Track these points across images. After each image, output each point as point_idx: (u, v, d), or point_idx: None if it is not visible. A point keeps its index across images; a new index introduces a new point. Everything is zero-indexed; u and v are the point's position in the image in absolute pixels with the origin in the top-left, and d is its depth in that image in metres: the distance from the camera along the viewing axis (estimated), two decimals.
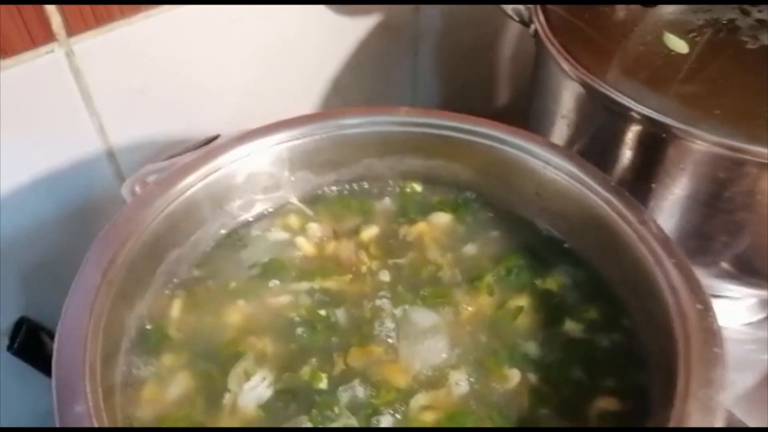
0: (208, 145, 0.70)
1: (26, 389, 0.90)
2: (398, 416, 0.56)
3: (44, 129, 0.76)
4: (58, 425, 0.48)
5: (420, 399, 0.56)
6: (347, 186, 0.74)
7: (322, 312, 0.63)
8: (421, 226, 0.71)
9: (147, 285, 0.62)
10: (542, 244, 0.69)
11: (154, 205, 0.61)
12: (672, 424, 0.48)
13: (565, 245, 0.68)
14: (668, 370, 0.52)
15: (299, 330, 0.61)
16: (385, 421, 0.56)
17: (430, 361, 0.59)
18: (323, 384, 0.57)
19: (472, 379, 0.58)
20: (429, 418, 0.55)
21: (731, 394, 0.77)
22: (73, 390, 0.49)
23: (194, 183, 0.64)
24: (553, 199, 0.67)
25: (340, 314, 0.63)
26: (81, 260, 0.57)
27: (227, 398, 0.57)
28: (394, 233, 0.70)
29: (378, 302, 0.64)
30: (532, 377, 0.58)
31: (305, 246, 0.69)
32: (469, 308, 0.63)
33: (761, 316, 0.89)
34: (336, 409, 0.56)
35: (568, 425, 0.56)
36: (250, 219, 0.71)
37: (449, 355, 0.60)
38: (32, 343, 0.88)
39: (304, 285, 0.65)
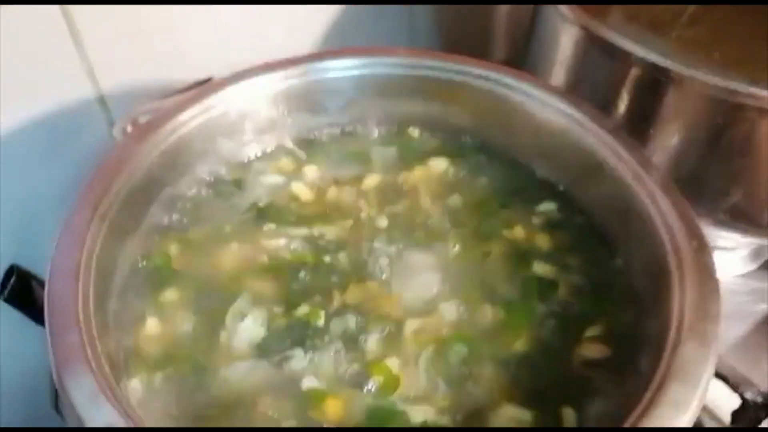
0: (201, 86, 0.69)
1: (21, 341, 0.89)
2: (384, 334, 0.56)
3: (34, 74, 0.74)
4: (51, 357, 0.48)
5: (412, 324, 0.57)
6: (343, 129, 0.73)
7: (321, 255, 0.62)
8: (418, 172, 0.70)
9: (139, 223, 0.61)
10: (538, 187, 0.68)
11: (147, 143, 0.61)
12: (665, 358, 0.48)
13: (561, 188, 0.68)
14: (662, 308, 0.52)
15: (297, 272, 0.61)
16: (372, 339, 0.56)
17: (422, 295, 0.59)
18: (321, 321, 0.57)
19: (461, 309, 0.58)
20: (422, 339, 0.56)
21: (724, 343, 0.78)
22: (65, 320, 0.48)
23: (187, 121, 0.63)
24: (550, 142, 0.66)
25: (340, 257, 0.62)
26: (71, 207, 0.56)
27: (224, 336, 0.57)
28: (393, 180, 0.70)
29: (375, 245, 0.64)
30: (519, 317, 0.58)
31: (303, 191, 0.68)
32: (461, 249, 0.63)
33: (754, 266, 0.89)
34: (326, 338, 0.56)
35: (555, 367, 0.56)
36: (245, 161, 0.70)
37: (440, 289, 0.60)
38: (23, 291, 0.87)
39: (303, 230, 0.65)
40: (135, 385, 0.54)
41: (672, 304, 0.51)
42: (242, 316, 0.58)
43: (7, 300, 0.86)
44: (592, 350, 0.57)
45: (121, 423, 0.44)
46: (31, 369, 0.89)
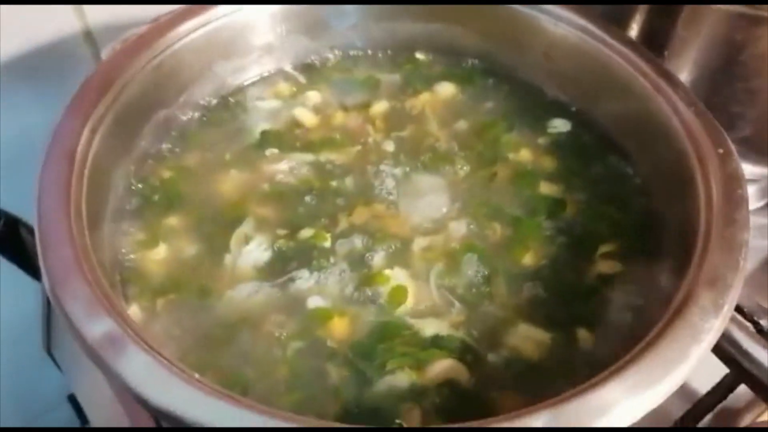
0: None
1: (10, 290, 0.86)
2: (391, 251, 0.54)
3: (19, 9, 0.70)
4: (43, 274, 0.45)
5: (421, 242, 0.55)
6: (346, 54, 0.70)
7: (327, 180, 0.60)
8: (425, 97, 0.67)
9: (133, 143, 0.58)
10: (548, 109, 0.65)
11: (139, 57, 0.57)
12: (692, 267, 0.46)
13: (573, 109, 0.65)
14: (687, 219, 0.50)
15: (302, 196, 0.58)
16: (378, 257, 0.54)
17: (430, 215, 0.57)
18: (327, 242, 0.55)
19: (471, 226, 0.57)
20: (431, 255, 0.54)
21: None
22: (58, 234, 0.45)
23: (181, 37, 0.59)
24: (563, 59, 0.64)
25: (346, 181, 0.60)
26: (59, 116, 0.53)
27: (228, 259, 0.54)
28: (399, 105, 0.67)
29: (381, 167, 0.61)
30: (527, 232, 0.56)
31: (307, 117, 0.65)
32: (469, 171, 0.61)
33: (760, 204, 0.87)
34: (332, 259, 0.54)
35: (570, 284, 0.53)
36: (243, 85, 0.67)
37: (449, 209, 0.58)
38: (11, 238, 0.84)
39: (308, 155, 0.62)
40: (134, 311, 0.52)
41: (698, 214, 0.49)
42: (246, 240, 0.55)
43: None
44: (606, 266, 0.55)
45: (119, 333, 0.41)
46: (22, 318, 0.87)
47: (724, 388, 0.58)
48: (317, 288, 0.52)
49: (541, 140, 0.64)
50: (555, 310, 0.52)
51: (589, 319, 0.52)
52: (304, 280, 0.53)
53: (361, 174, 0.60)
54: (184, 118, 0.63)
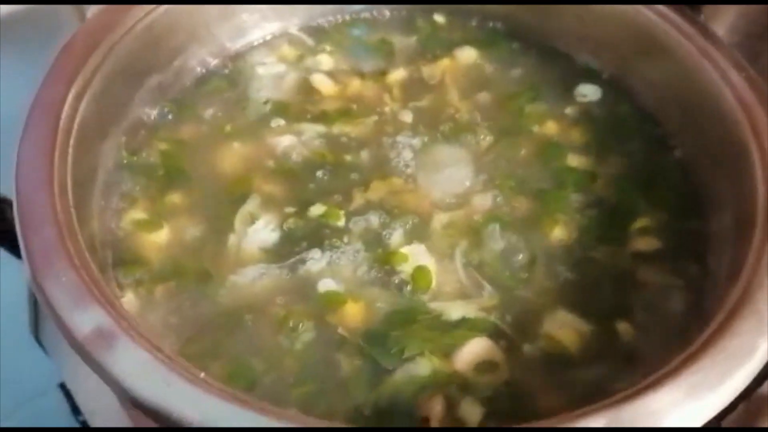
0: None
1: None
2: (409, 228, 0.50)
3: None
4: (24, 258, 0.39)
5: (441, 218, 0.50)
6: (356, 15, 0.64)
7: (341, 153, 0.55)
8: (444, 64, 0.61)
9: (124, 111, 0.52)
10: (577, 76, 0.60)
11: (129, 16, 0.51)
12: (754, 250, 0.41)
13: (604, 76, 0.60)
14: (740, 195, 0.45)
15: (312, 171, 0.53)
16: (397, 234, 0.49)
17: (451, 190, 0.52)
18: (340, 221, 0.50)
19: (498, 199, 0.52)
20: (453, 232, 0.49)
21: None
22: (39, 211, 0.40)
23: None
24: (597, 22, 0.58)
25: (362, 154, 0.54)
26: (41, 80, 0.47)
27: (232, 241, 0.49)
28: (417, 73, 0.61)
29: (399, 139, 0.55)
30: (554, 205, 0.52)
31: (325, 84, 0.59)
32: (492, 143, 0.55)
33: None
34: (346, 238, 0.49)
35: (603, 258, 0.49)
36: (244, 48, 0.61)
37: (472, 182, 0.53)
38: None
39: (318, 126, 0.56)
40: (129, 299, 0.46)
41: (754, 189, 0.44)
42: (252, 220, 0.50)
43: None
44: (643, 243, 0.50)
45: (111, 326, 0.36)
46: (9, 300, 0.82)
47: None
48: (329, 270, 0.48)
49: (569, 110, 0.58)
50: (590, 295, 0.47)
51: (626, 304, 0.47)
52: (315, 261, 0.48)
53: (377, 146, 0.55)
54: (180, 84, 0.57)
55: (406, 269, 0.47)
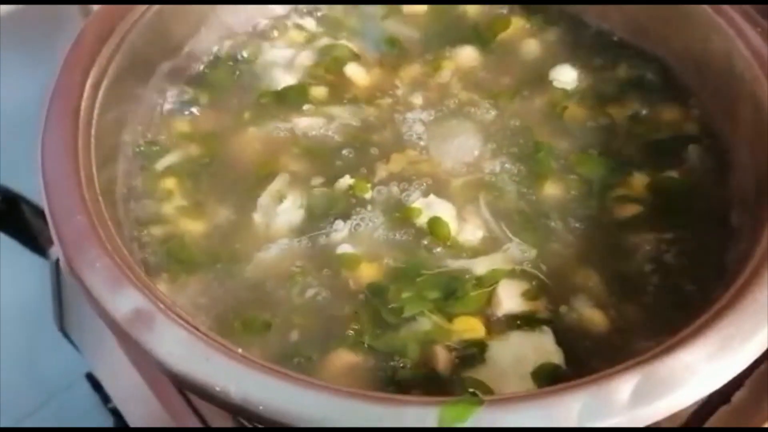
0: None
1: (17, 271, 0.82)
2: (424, 189, 0.51)
3: None
4: (57, 246, 0.40)
5: (456, 181, 0.51)
6: None
7: (357, 132, 0.55)
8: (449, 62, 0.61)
9: (139, 100, 0.53)
10: (588, 40, 0.60)
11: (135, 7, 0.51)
12: None
13: (614, 38, 0.60)
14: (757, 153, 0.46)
15: (336, 150, 0.53)
16: (415, 196, 0.50)
17: (461, 158, 0.53)
18: (368, 193, 0.50)
19: (507, 165, 0.52)
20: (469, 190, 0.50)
21: None
22: (69, 200, 0.40)
23: None
24: None
25: (379, 132, 0.55)
26: (57, 71, 0.47)
27: (258, 220, 0.50)
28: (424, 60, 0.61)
29: (409, 115, 0.56)
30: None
31: (357, 73, 0.59)
32: (498, 111, 0.56)
33: None
34: (369, 207, 0.50)
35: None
36: (251, 31, 0.61)
37: (481, 150, 0.53)
38: (12, 214, 0.79)
39: (335, 109, 0.56)
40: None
41: None
42: (280, 198, 0.50)
43: None
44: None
45: (148, 306, 0.37)
46: (29, 299, 0.83)
47: None
48: (350, 237, 0.48)
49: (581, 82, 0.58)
50: (614, 257, 0.48)
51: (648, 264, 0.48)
52: (337, 231, 0.49)
53: (393, 124, 0.55)
54: (192, 70, 0.58)
55: (422, 222, 0.49)
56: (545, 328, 0.43)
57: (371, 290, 0.46)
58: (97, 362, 0.71)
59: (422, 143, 0.54)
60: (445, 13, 0.63)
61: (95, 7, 0.55)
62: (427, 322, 0.44)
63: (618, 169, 0.52)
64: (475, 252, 0.48)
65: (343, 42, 0.61)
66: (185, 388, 0.35)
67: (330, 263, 0.47)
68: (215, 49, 0.59)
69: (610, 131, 0.54)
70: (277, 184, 0.51)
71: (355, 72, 0.59)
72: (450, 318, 0.44)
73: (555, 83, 0.57)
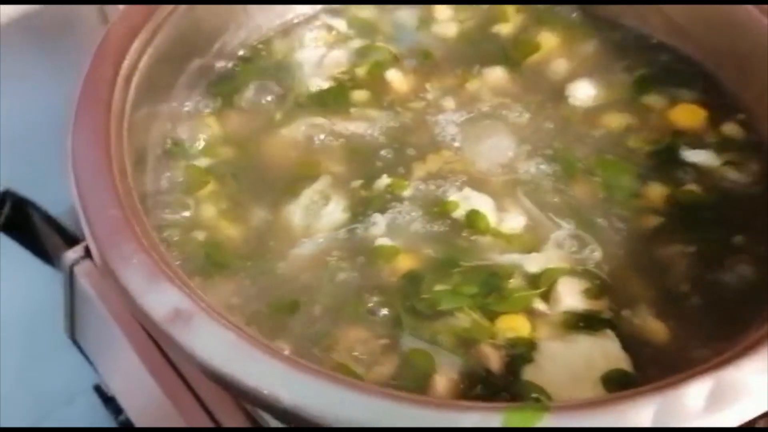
0: None
1: (22, 279, 0.80)
2: (459, 185, 0.50)
3: None
4: (90, 239, 0.38)
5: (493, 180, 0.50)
6: None
7: (399, 134, 0.54)
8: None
9: (168, 98, 0.51)
10: (627, 43, 0.59)
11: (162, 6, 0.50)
12: None
13: (653, 41, 0.58)
14: None
15: (374, 151, 0.52)
16: (452, 192, 0.50)
17: (496, 159, 0.52)
18: (406, 191, 0.49)
19: (542, 166, 0.51)
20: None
21: None
22: (102, 192, 0.38)
23: None
24: None
25: (415, 133, 0.54)
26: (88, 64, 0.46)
27: (298, 218, 0.48)
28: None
29: (441, 117, 0.55)
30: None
31: (397, 78, 0.57)
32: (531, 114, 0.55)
33: None
34: (407, 203, 0.49)
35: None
36: (281, 29, 0.60)
37: (516, 152, 0.52)
38: (19, 218, 0.77)
39: (370, 111, 0.55)
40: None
41: None
42: (324, 200, 0.49)
43: (2, 229, 0.77)
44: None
45: (188, 305, 0.35)
46: (34, 308, 0.80)
47: None
48: (388, 231, 0.48)
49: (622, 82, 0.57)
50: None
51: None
52: (375, 225, 0.48)
53: (426, 126, 0.54)
54: (222, 68, 0.56)
55: (460, 215, 0.48)
56: (609, 332, 0.42)
57: (407, 279, 0.45)
58: (111, 372, 0.69)
59: (456, 144, 0.53)
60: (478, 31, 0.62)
61: (119, 8, 0.54)
62: (466, 319, 0.43)
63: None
64: (523, 243, 0.47)
65: (381, 43, 0.59)
66: (230, 391, 0.33)
67: (366, 254, 0.46)
68: (245, 47, 0.58)
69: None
70: (319, 185, 0.50)
71: (395, 77, 0.57)
72: (492, 316, 0.43)
73: (570, 99, 0.55)
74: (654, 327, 0.43)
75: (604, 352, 0.42)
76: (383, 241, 0.47)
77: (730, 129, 0.53)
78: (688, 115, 0.54)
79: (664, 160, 0.52)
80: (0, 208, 0.77)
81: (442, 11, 0.63)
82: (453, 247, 0.47)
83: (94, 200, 0.38)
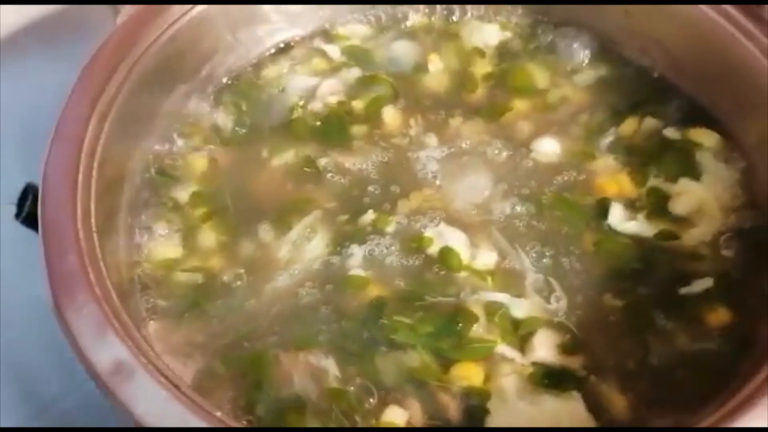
0: None
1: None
2: (435, 223, 0.50)
3: None
4: (47, 284, 0.39)
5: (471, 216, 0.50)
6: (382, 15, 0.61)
7: (384, 170, 0.53)
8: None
9: (151, 126, 0.52)
10: (628, 76, 0.57)
11: (153, 26, 0.50)
12: None
13: (655, 75, 0.56)
14: None
15: (365, 186, 0.52)
16: (430, 227, 0.50)
17: (471, 199, 0.52)
18: (390, 227, 0.50)
19: (518, 208, 0.51)
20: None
21: None
22: (61, 237, 0.40)
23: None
24: (647, 17, 0.54)
25: (399, 169, 0.53)
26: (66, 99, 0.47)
27: (283, 253, 0.49)
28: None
29: (425, 154, 0.54)
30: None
31: (392, 115, 0.56)
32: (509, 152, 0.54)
33: None
34: (387, 238, 0.49)
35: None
36: (269, 56, 0.59)
37: (492, 192, 0.52)
38: None
39: (368, 147, 0.55)
40: (153, 325, 0.46)
41: None
42: (312, 234, 0.50)
43: (24, 222, 0.80)
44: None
45: (130, 360, 0.36)
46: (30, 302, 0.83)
47: None
48: (363, 262, 0.48)
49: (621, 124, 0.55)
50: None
51: None
52: (352, 256, 0.48)
53: (408, 162, 0.54)
54: (208, 93, 0.56)
55: (433, 251, 0.48)
56: (575, 393, 0.42)
57: (371, 306, 0.46)
58: None
59: (438, 182, 0.52)
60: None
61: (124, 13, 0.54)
62: (416, 358, 0.43)
63: None
64: (496, 281, 0.47)
65: (384, 75, 0.58)
66: None
67: (337, 282, 0.47)
68: (231, 73, 0.58)
69: None
70: (309, 220, 0.50)
71: (390, 113, 0.56)
72: (448, 363, 0.43)
73: (533, 154, 0.54)
74: (615, 398, 0.42)
75: (571, 413, 0.42)
76: (356, 272, 0.48)
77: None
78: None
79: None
80: (23, 202, 0.80)
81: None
82: (421, 282, 0.47)
83: (54, 245, 0.40)
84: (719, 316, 0.45)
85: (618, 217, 0.49)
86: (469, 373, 0.43)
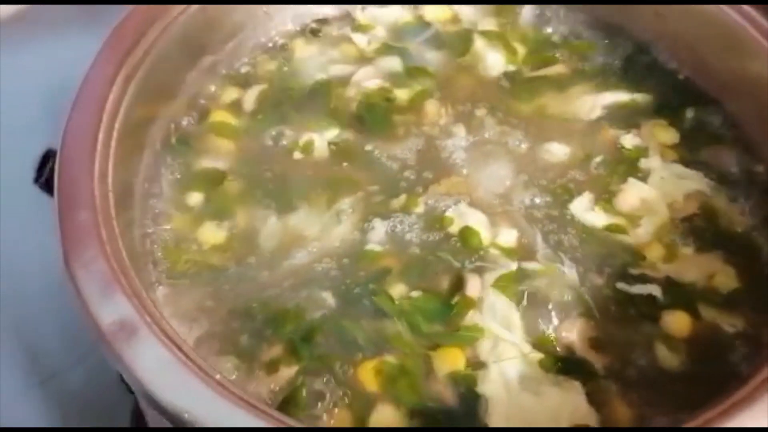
0: None
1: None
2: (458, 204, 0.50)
3: None
4: (58, 238, 0.40)
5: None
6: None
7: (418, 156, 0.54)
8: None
9: (175, 94, 0.52)
10: (656, 77, 0.56)
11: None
12: None
13: (680, 77, 0.55)
14: None
15: (402, 172, 0.52)
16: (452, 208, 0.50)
17: (493, 189, 0.52)
18: (419, 208, 0.50)
19: (537, 200, 0.51)
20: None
21: None
22: (76, 193, 0.40)
23: None
24: (677, 20, 0.53)
25: (430, 156, 0.54)
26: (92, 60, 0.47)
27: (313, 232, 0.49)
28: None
29: (454, 143, 0.54)
30: None
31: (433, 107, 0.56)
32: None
33: None
34: (413, 216, 0.50)
35: None
36: (300, 32, 0.59)
37: (513, 182, 0.52)
38: None
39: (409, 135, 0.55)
40: (162, 290, 0.46)
41: None
42: (340, 218, 0.50)
43: (42, 187, 0.80)
44: None
45: (134, 318, 0.36)
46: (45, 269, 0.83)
47: None
48: (383, 237, 0.49)
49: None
50: None
51: None
52: (373, 230, 0.49)
53: (438, 150, 0.54)
54: (236, 66, 0.56)
55: (454, 230, 0.49)
56: (578, 385, 0.42)
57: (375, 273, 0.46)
58: None
59: (465, 171, 0.52)
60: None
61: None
62: (392, 327, 0.44)
63: None
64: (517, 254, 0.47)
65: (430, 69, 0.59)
66: (157, 410, 0.34)
67: (352, 256, 0.47)
68: (261, 47, 0.57)
69: None
70: (348, 201, 0.50)
71: (432, 105, 0.56)
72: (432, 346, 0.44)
73: (545, 155, 0.54)
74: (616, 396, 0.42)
75: (573, 406, 0.41)
76: (372, 247, 0.48)
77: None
78: None
79: None
80: (42, 166, 0.81)
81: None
82: (434, 255, 0.47)
83: (68, 200, 0.40)
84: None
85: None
86: (450, 357, 0.43)
